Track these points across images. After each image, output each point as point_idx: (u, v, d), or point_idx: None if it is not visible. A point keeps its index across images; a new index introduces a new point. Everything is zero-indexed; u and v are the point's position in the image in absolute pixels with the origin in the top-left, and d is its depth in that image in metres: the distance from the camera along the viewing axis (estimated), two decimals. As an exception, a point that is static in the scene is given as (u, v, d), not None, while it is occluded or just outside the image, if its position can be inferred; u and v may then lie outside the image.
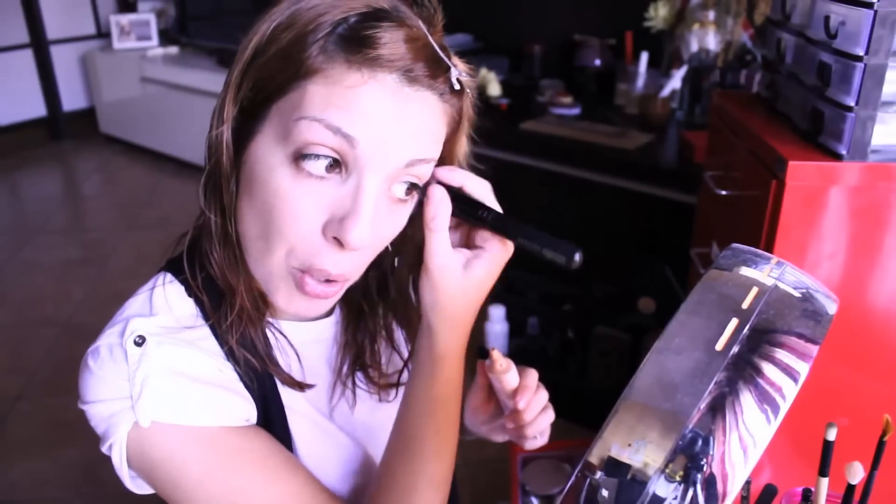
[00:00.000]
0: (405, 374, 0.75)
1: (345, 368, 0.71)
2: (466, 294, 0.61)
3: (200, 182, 0.61)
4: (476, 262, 0.61)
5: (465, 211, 0.61)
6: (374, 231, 0.57)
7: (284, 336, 0.67)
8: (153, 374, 0.57)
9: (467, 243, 0.64)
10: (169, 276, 0.64)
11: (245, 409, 0.62)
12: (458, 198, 0.61)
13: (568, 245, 0.58)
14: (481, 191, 0.62)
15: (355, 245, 0.55)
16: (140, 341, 0.58)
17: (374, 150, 0.54)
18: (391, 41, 0.52)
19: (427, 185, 0.60)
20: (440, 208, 0.59)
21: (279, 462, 0.61)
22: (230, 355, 0.62)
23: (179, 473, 0.58)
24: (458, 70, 0.57)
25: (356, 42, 0.52)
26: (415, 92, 0.54)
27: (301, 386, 0.66)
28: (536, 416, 0.75)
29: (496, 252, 0.62)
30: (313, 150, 0.53)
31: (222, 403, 0.60)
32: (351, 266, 0.59)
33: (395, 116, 0.54)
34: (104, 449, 0.59)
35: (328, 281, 0.58)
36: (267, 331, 0.65)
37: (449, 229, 0.60)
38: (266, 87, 0.55)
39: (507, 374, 0.72)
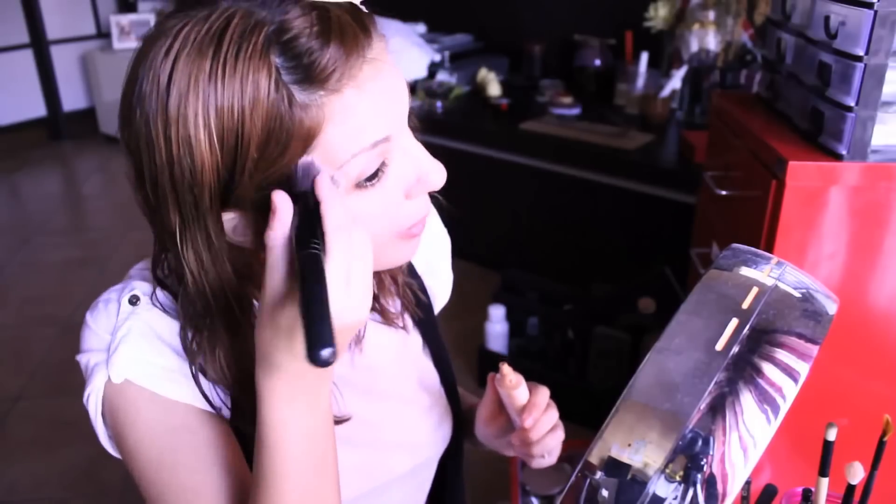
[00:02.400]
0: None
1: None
2: None
3: (186, 319, 0.58)
4: None
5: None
6: None
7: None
8: (133, 332, 0.58)
9: None
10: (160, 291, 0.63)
11: (217, 399, 0.62)
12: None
13: (325, 341, 0.43)
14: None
15: (444, 180, 0.59)
16: (135, 300, 0.60)
17: (397, 126, 0.56)
18: (333, 53, 0.50)
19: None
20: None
21: (218, 456, 0.60)
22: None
23: (128, 429, 0.59)
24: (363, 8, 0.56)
25: (321, 77, 0.50)
26: (374, 53, 0.54)
27: None
28: (544, 435, 0.73)
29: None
30: (366, 174, 0.54)
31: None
32: (428, 197, 0.62)
33: (390, 86, 0.54)
34: (84, 399, 0.60)
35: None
36: None
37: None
38: (276, 177, 0.52)
39: (516, 389, 0.70)
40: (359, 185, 0.54)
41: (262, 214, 0.52)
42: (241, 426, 0.62)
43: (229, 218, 0.54)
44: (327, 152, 0.52)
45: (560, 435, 0.75)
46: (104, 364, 0.59)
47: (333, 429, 0.58)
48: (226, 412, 0.62)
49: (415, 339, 0.79)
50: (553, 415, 0.73)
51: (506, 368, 0.70)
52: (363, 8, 0.55)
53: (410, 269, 0.78)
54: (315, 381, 0.53)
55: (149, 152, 0.51)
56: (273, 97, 0.49)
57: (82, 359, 0.61)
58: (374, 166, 0.54)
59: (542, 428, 0.72)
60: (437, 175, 0.58)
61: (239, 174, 0.51)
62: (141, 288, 0.61)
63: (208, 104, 0.49)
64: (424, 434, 0.78)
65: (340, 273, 0.49)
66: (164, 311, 0.61)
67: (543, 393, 0.72)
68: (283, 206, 0.50)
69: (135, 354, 0.58)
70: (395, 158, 0.56)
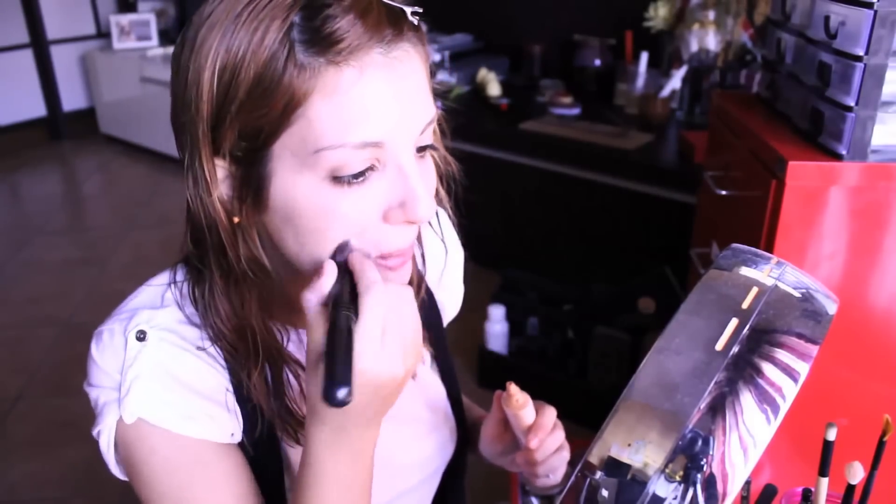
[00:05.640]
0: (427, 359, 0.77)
1: None
2: None
3: (187, 244, 0.60)
4: None
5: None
6: None
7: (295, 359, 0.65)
8: (144, 375, 0.58)
9: None
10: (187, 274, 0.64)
11: (231, 423, 0.62)
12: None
13: (341, 380, 0.46)
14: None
15: (428, 217, 0.55)
16: (141, 336, 0.59)
17: (397, 137, 0.53)
18: (349, 24, 0.50)
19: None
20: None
21: (233, 489, 0.61)
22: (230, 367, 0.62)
23: (143, 465, 0.59)
24: (407, 7, 0.55)
25: (327, 42, 0.50)
26: (399, 54, 0.53)
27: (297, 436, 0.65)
28: (549, 455, 0.72)
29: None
30: (347, 170, 0.52)
31: (209, 416, 0.60)
32: (414, 233, 0.58)
33: (399, 91, 0.53)
34: (93, 433, 0.60)
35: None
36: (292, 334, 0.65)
37: None
38: (259, 131, 0.52)
39: (523, 409, 0.70)
40: (336, 180, 0.53)
41: (241, 172, 0.55)
42: (245, 393, 0.62)
43: (221, 166, 0.55)
44: (310, 128, 0.51)
45: (565, 455, 0.74)
46: (115, 403, 0.58)
47: (372, 479, 0.59)
48: (238, 436, 0.63)
49: (424, 354, 0.78)
50: (559, 435, 0.73)
51: (513, 388, 0.69)
52: (408, 11, 0.54)
53: (422, 284, 0.76)
54: (358, 433, 0.55)
55: (175, 80, 0.55)
56: (275, 48, 0.50)
57: (91, 392, 0.61)
58: (359, 167, 0.52)
59: (548, 449, 0.71)
60: (423, 207, 0.54)
61: (225, 114, 0.52)
62: (148, 320, 0.60)
63: (224, 41, 0.51)
64: (431, 449, 0.77)
65: (374, 329, 0.50)
66: (178, 305, 0.61)
67: (550, 413, 0.72)
68: (328, 271, 0.53)
69: (147, 396, 0.58)
70: (386, 170, 0.54)
